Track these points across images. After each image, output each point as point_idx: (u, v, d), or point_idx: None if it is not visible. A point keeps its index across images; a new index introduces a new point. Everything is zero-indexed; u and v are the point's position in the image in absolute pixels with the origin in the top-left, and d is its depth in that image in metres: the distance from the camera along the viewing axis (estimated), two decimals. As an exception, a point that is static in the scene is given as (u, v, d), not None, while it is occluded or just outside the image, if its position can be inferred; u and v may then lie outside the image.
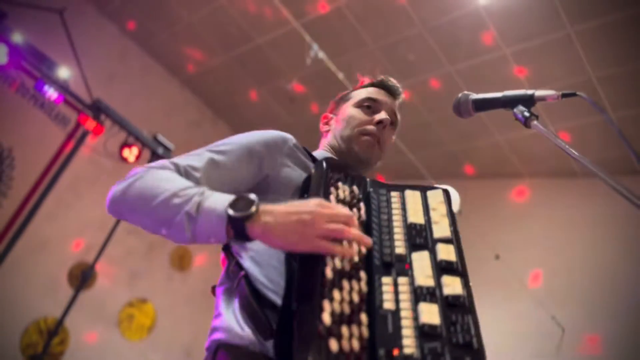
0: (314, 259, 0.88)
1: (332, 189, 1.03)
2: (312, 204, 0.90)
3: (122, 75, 5.06)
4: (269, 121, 5.65)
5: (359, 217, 1.02)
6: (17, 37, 3.85)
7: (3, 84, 4.16)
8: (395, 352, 0.83)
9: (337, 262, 0.89)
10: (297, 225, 0.87)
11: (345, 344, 0.80)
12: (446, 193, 1.11)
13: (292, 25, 4.12)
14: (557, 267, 4.12)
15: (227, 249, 1.22)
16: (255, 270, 1.08)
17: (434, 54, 3.97)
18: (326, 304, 0.82)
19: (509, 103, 1.14)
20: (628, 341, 3.55)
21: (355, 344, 0.81)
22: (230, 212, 0.90)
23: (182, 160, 1.14)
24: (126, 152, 4.39)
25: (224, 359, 1.03)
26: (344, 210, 0.90)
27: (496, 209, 4.75)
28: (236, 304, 1.08)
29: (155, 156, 4.54)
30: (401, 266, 0.95)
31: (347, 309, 0.85)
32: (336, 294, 0.85)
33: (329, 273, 0.86)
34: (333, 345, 0.79)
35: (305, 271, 0.88)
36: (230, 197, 0.93)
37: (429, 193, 1.11)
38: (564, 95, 1.05)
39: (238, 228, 0.90)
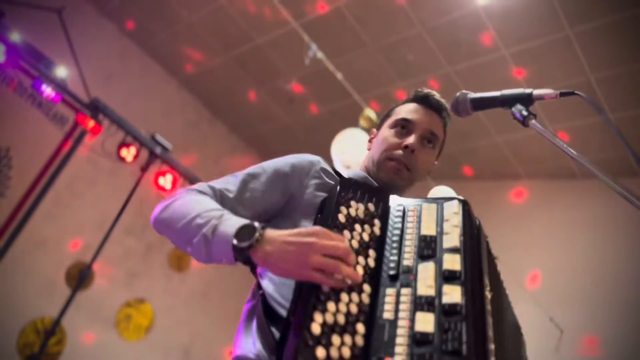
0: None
1: (343, 208, 1.06)
2: (312, 234, 0.94)
3: (120, 74, 5.05)
4: (267, 121, 5.64)
5: (372, 232, 1.07)
6: (15, 36, 3.84)
7: (1, 83, 4.15)
8: (386, 359, 0.88)
9: (337, 276, 0.94)
10: (294, 256, 0.92)
11: (333, 352, 0.86)
12: (463, 203, 1.11)
13: (291, 26, 4.12)
14: (556, 268, 4.12)
15: (252, 269, 1.26)
16: (271, 288, 1.14)
17: (433, 55, 3.97)
18: (317, 315, 0.89)
19: (507, 102, 1.13)
20: (627, 342, 3.55)
21: (346, 352, 0.87)
22: (234, 241, 0.96)
23: (218, 183, 1.25)
24: (124, 152, 4.37)
25: None
26: (341, 243, 0.94)
27: (495, 210, 4.74)
28: (254, 321, 1.14)
29: (153, 156, 4.53)
30: (407, 277, 0.99)
31: (341, 319, 0.91)
32: (331, 306, 0.91)
33: (325, 286, 0.93)
34: (320, 353, 0.85)
35: (301, 285, 0.95)
36: (239, 224, 0.99)
37: (445, 204, 1.11)
38: (562, 94, 1.04)
39: (242, 255, 0.97)
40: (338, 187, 1.10)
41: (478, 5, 3.46)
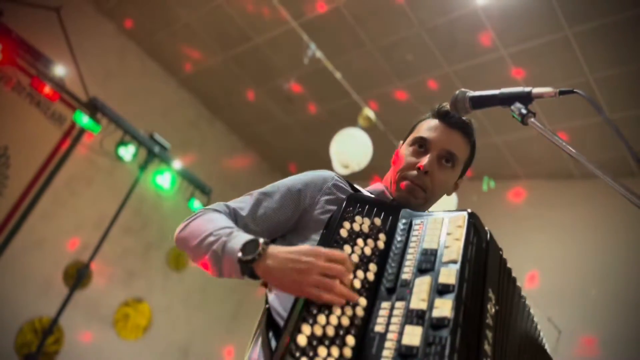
0: None
1: (346, 223, 1.09)
2: (312, 254, 0.99)
3: (118, 73, 5.04)
4: (266, 121, 5.64)
5: (375, 246, 1.09)
6: (13, 35, 3.83)
7: (-1, 81, 4.14)
8: None
9: (331, 296, 0.98)
10: (293, 273, 0.98)
11: None
12: (469, 216, 1.09)
13: (290, 25, 4.12)
14: (554, 269, 4.12)
15: (265, 284, 1.31)
16: (276, 302, 1.18)
17: (432, 55, 3.97)
18: (305, 327, 0.92)
19: (507, 100, 1.13)
20: (625, 343, 3.55)
21: None
22: (240, 255, 1.03)
23: (234, 202, 1.32)
24: (122, 151, 4.37)
25: None
26: (337, 266, 0.98)
27: (493, 211, 4.74)
28: (259, 333, 1.19)
29: (151, 155, 4.52)
30: (403, 291, 1.01)
31: (331, 332, 0.94)
32: (321, 319, 0.94)
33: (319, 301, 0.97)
34: None
35: (297, 298, 0.99)
36: (245, 239, 1.06)
37: (452, 218, 1.10)
38: (561, 93, 1.04)
39: (246, 269, 1.03)
40: (344, 203, 1.13)
41: (477, 6, 3.46)
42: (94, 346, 4.62)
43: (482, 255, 1.08)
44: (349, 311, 0.97)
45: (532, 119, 1.06)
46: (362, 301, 1.00)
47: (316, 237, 1.22)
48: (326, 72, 4.24)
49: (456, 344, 0.89)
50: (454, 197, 3.97)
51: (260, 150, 6.29)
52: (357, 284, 1.02)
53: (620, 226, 3.90)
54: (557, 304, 3.85)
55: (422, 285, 0.99)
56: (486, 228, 1.13)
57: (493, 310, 1.04)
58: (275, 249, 1.03)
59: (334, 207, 1.26)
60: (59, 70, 4.06)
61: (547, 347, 1.34)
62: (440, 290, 0.97)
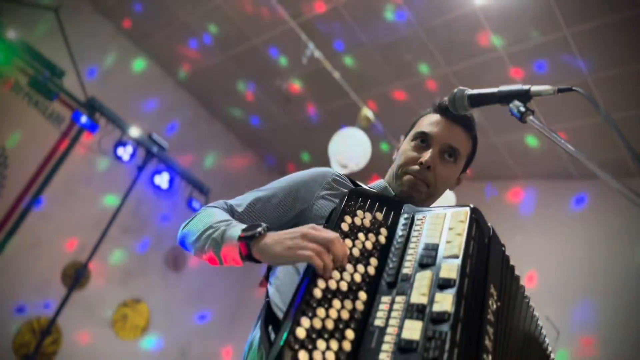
0: (307, 281, 0.97)
1: (347, 217, 1.09)
2: (308, 226, 1.03)
3: (117, 73, 5.03)
4: (265, 121, 5.64)
5: (377, 241, 1.09)
6: (11, 34, 3.83)
7: (-3, 81, 4.13)
8: None
9: (332, 284, 0.98)
10: (287, 240, 1.01)
11: (317, 356, 0.89)
12: (471, 211, 1.08)
13: (289, 25, 4.11)
14: (552, 269, 4.12)
15: (267, 278, 1.35)
16: (276, 296, 1.19)
17: (430, 55, 3.97)
18: (304, 320, 0.91)
19: (505, 98, 1.13)
20: (623, 344, 3.55)
21: (330, 357, 0.90)
22: (240, 233, 1.07)
23: (233, 200, 1.36)
24: (120, 151, 4.36)
25: None
26: (330, 234, 1.00)
27: (491, 211, 4.74)
28: (259, 327, 1.20)
29: (149, 155, 4.52)
30: (404, 285, 1.00)
31: (330, 325, 0.93)
32: (320, 312, 0.94)
33: (317, 293, 0.95)
34: (302, 356, 0.88)
35: (295, 292, 0.98)
36: (245, 225, 1.11)
37: (454, 212, 1.10)
38: (559, 90, 1.04)
39: (245, 248, 1.05)
40: (345, 197, 1.12)
41: (475, 6, 3.46)
42: (92, 346, 4.61)
43: (484, 251, 1.07)
44: (348, 305, 0.97)
45: (531, 117, 1.06)
46: (362, 295, 1.00)
47: None
48: (325, 72, 4.24)
49: (456, 339, 0.88)
50: (451, 195, 3.97)
51: (259, 150, 6.29)
52: (358, 278, 1.02)
53: (620, 226, 3.90)
54: (555, 304, 3.85)
55: (422, 280, 0.98)
56: (489, 224, 1.13)
57: (494, 306, 1.03)
58: (275, 232, 1.06)
59: (334, 201, 1.27)
60: (57, 70, 4.05)
61: (549, 346, 1.33)
62: (441, 284, 0.96)
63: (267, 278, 1.34)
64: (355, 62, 4.33)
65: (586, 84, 3.61)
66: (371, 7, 3.81)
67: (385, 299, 0.99)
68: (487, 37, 3.64)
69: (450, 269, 0.98)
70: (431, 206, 1.29)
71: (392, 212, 1.14)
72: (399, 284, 1.01)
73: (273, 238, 1.03)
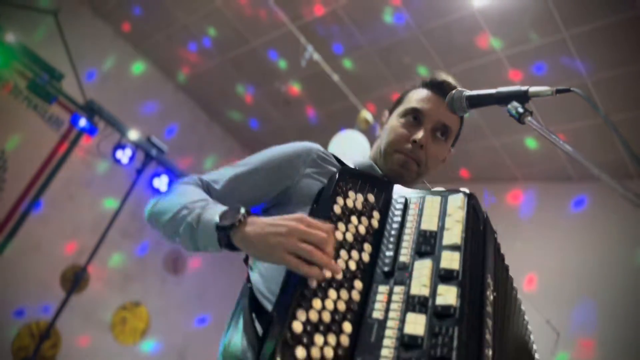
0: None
1: (339, 199, 1.00)
2: (294, 218, 0.92)
3: (116, 76, 5.03)
4: (264, 124, 5.64)
5: (369, 225, 1.01)
6: (11, 38, 3.82)
7: (-4, 84, 4.13)
8: None
9: (327, 272, 0.90)
10: (271, 237, 0.90)
11: (315, 352, 0.82)
12: (468, 197, 1.03)
13: (288, 28, 4.12)
14: (552, 271, 4.11)
15: (245, 260, 1.24)
16: (260, 282, 1.10)
17: (429, 57, 3.97)
18: (300, 313, 0.84)
19: (503, 99, 1.12)
20: (623, 346, 3.54)
21: (329, 352, 0.83)
22: (217, 221, 0.97)
23: (207, 175, 1.24)
24: (120, 154, 4.36)
25: None
26: (321, 231, 0.90)
27: (491, 213, 4.74)
28: (241, 316, 1.10)
29: (148, 158, 4.52)
30: (401, 275, 0.94)
31: (327, 317, 0.86)
32: (316, 303, 0.86)
33: (312, 282, 0.88)
34: (299, 353, 0.81)
35: (287, 280, 0.90)
36: (223, 209, 1.00)
37: (450, 197, 1.03)
38: (558, 91, 1.04)
39: (224, 237, 0.96)
40: (336, 176, 1.04)
41: (474, 8, 3.47)
42: (92, 350, 4.60)
43: (481, 239, 1.03)
44: (344, 294, 0.90)
45: (529, 118, 1.06)
46: (358, 284, 0.93)
47: (301, 212, 1.10)
48: (324, 74, 4.24)
49: (463, 335, 0.84)
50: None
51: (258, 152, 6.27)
52: (353, 265, 0.94)
53: (618, 228, 3.89)
54: (555, 306, 3.84)
55: (422, 270, 0.92)
56: (483, 209, 1.08)
57: (492, 297, 0.98)
58: (255, 217, 0.96)
59: (322, 180, 1.18)
60: (57, 73, 4.06)
61: (532, 335, 1.27)
62: (443, 275, 0.91)
63: (246, 261, 1.24)
64: (354, 65, 4.33)
65: (585, 85, 3.61)
66: (370, 10, 3.81)
67: (383, 288, 0.93)
68: (485, 40, 3.65)
69: (452, 259, 0.92)
70: (420, 188, 1.18)
71: (383, 194, 1.07)
72: (396, 272, 0.94)
73: (254, 229, 0.93)
